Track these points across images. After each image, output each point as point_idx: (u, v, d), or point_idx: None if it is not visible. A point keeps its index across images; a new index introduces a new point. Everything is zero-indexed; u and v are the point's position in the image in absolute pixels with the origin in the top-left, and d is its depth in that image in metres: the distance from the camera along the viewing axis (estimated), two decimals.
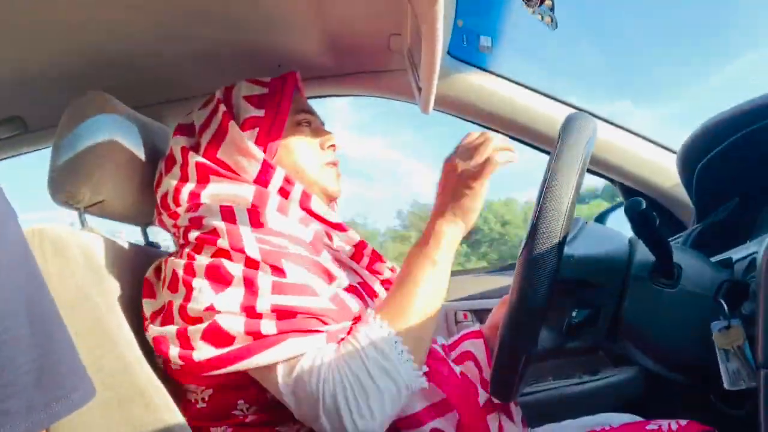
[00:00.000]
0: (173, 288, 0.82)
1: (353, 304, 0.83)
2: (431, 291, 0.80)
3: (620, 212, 1.47)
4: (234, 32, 1.11)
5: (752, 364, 0.67)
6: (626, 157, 1.39)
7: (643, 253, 0.80)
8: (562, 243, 0.71)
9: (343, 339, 0.77)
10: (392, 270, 1.03)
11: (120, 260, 0.89)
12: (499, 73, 1.38)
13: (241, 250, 0.79)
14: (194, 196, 0.89)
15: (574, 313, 0.83)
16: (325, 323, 0.76)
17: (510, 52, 1.40)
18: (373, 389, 0.72)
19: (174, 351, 0.76)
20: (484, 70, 1.37)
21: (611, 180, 1.47)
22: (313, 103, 1.08)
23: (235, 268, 0.78)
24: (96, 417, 0.74)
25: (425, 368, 0.81)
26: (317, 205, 0.94)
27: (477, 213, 0.83)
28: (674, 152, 1.34)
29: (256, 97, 0.97)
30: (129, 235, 1.06)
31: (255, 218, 0.83)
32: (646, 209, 0.73)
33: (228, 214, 0.83)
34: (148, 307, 0.86)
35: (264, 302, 0.75)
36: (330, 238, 0.95)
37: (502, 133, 1.44)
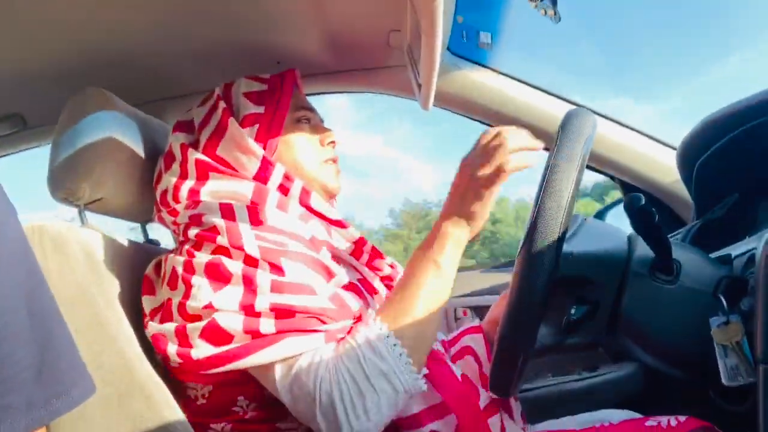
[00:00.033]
0: (173, 285, 0.82)
1: (353, 302, 0.83)
2: (433, 294, 0.79)
3: (619, 208, 1.47)
4: (233, 29, 1.11)
5: (750, 360, 0.67)
6: (626, 153, 1.39)
7: (643, 250, 0.80)
8: (561, 239, 0.71)
9: (342, 339, 0.76)
10: (392, 266, 1.03)
11: (120, 257, 0.89)
12: (498, 70, 1.38)
13: (241, 248, 0.78)
14: (194, 193, 0.89)
15: (572, 310, 0.83)
16: (324, 322, 0.76)
17: (510, 49, 1.40)
18: (369, 391, 0.72)
19: (172, 349, 0.77)
20: (484, 66, 1.37)
21: (611, 176, 1.47)
22: (311, 101, 1.08)
23: (234, 265, 0.78)
24: (96, 413, 0.74)
25: (425, 371, 0.81)
26: (317, 201, 0.94)
27: (484, 219, 0.81)
28: (674, 148, 1.34)
29: (256, 94, 0.97)
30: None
31: (254, 215, 0.83)
32: (646, 205, 0.73)
33: (227, 211, 0.83)
34: (148, 304, 0.86)
35: (263, 301, 0.75)
36: (330, 234, 0.95)
37: None
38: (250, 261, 0.78)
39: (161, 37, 1.09)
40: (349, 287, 0.86)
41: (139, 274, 0.90)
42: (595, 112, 1.31)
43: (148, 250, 1.02)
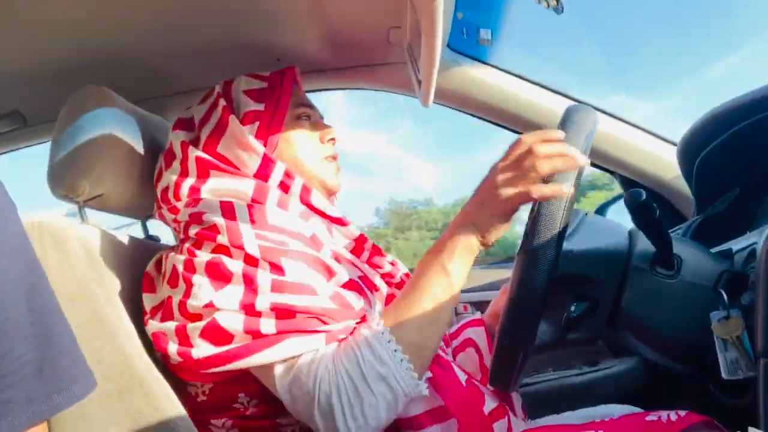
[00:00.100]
0: (173, 283, 0.82)
1: (355, 301, 0.82)
2: (439, 300, 0.77)
3: (620, 204, 1.47)
4: (233, 27, 1.11)
5: (750, 354, 0.68)
6: (626, 148, 1.39)
7: (644, 244, 0.80)
8: (561, 235, 0.71)
9: (343, 339, 0.76)
10: (393, 264, 1.03)
11: (119, 253, 0.89)
12: (499, 66, 1.38)
13: (241, 247, 0.78)
14: (194, 190, 0.89)
15: (572, 307, 0.83)
16: (325, 323, 0.76)
17: (510, 45, 1.40)
18: (368, 394, 0.71)
19: (173, 348, 0.77)
20: (484, 62, 1.37)
21: (611, 171, 1.47)
22: (311, 98, 1.08)
23: (234, 265, 0.78)
24: (96, 409, 0.74)
25: (428, 374, 0.80)
26: (317, 199, 0.94)
27: (500, 234, 0.78)
28: (674, 144, 1.34)
29: (256, 91, 0.97)
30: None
31: (255, 214, 0.82)
32: (647, 200, 0.73)
33: (228, 210, 0.83)
34: (148, 301, 0.86)
35: (263, 301, 0.75)
36: (330, 232, 0.95)
37: (503, 127, 1.44)
38: (251, 260, 0.78)
39: (161, 34, 1.09)
40: (350, 285, 0.85)
41: (139, 270, 0.90)
42: (595, 108, 1.31)
43: (148, 246, 1.02)
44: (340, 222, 0.96)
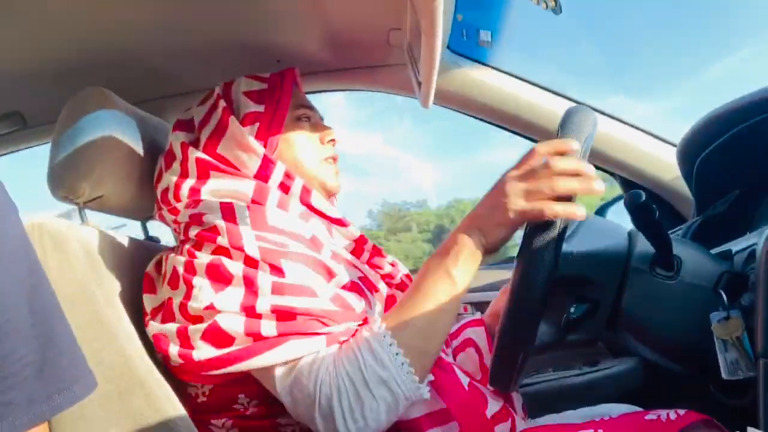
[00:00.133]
0: (173, 285, 0.82)
1: (356, 302, 0.82)
2: (442, 304, 0.76)
3: (620, 204, 1.47)
4: (233, 28, 1.11)
5: (750, 354, 0.68)
6: (626, 149, 1.39)
7: (643, 246, 0.80)
8: (561, 236, 0.71)
9: (344, 341, 0.76)
10: (393, 265, 1.04)
11: (119, 254, 0.89)
12: (499, 68, 1.38)
13: (241, 249, 0.78)
14: (194, 191, 0.89)
15: (572, 309, 0.83)
16: (326, 325, 0.76)
17: (510, 47, 1.40)
18: (368, 397, 0.71)
19: (174, 349, 0.77)
20: (484, 64, 1.37)
21: (611, 173, 1.47)
22: (310, 99, 1.08)
23: (234, 266, 0.78)
24: (96, 410, 0.74)
25: (430, 377, 0.80)
26: (317, 200, 0.94)
27: (505, 243, 0.77)
28: (674, 145, 1.34)
29: (256, 92, 0.97)
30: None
31: (255, 215, 0.82)
32: (646, 201, 0.73)
33: (228, 211, 0.83)
34: (149, 302, 0.86)
35: (264, 303, 0.75)
36: (330, 233, 0.95)
37: (503, 128, 1.44)
38: (250, 262, 0.78)
39: (161, 35, 1.10)
40: (351, 287, 0.85)
41: (139, 271, 0.90)
42: (595, 110, 1.31)
43: (148, 247, 1.02)
44: (340, 223, 0.96)
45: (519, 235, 0.77)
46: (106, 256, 0.84)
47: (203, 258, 0.80)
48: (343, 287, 0.84)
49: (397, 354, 0.73)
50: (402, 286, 1.00)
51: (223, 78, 1.01)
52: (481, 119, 1.44)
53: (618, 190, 1.53)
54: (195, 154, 0.91)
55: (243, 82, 0.99)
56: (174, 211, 0.90)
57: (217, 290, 0.77)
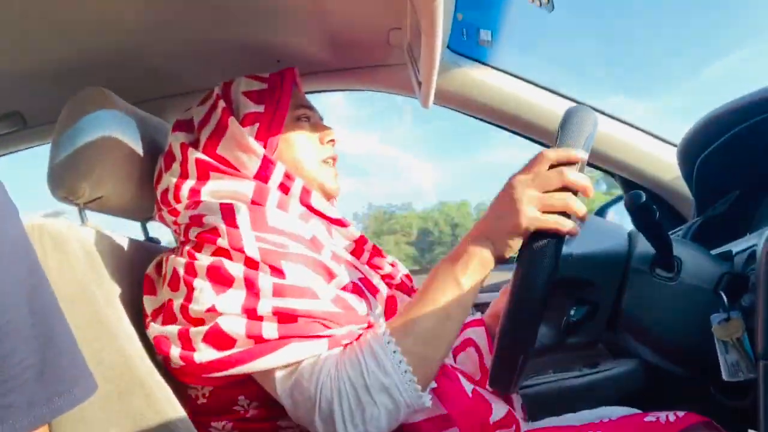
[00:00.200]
0: (174, 286, 0.82)
1: (357, 303, 0.82)
2: (449, 312, 0.75)
3: (620, 205, 1.47)
4: (233, 28, 1.11)
5: (751, 356, 0.68)
6: (626, 149, 1.39)
7: (643, 246, 0.80)
8: (561, 238, 0.71)
9: (347, 344, 0.76)
10: (393, 265, 1.03)
11: (119, 255, 0.89)
12: (499, 67, 1.38)
13: (241, 250, 0.78)
14: (194, 192, 0.89)
15: (572, 312, 0.82)
16: (328, 327, 0.75)
17: (510, 46, 1.40)
18: (369, 403, 0.71)
19: (175, 351, 0.77)
20: (484, 64, 1.37)
21: (611, 173, 1.47)
22: (310, 99, 1.08)
23: (235, 268, 0.77)
24: (96, 411, 0.74)
25: (433, 384, 0.79)
26: (317, 200, 0.94)
27: (516, 249, 0.76)
28: (674, 145, 1.34)
29: (255, 92, 0.97)
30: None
31: (255, 216, 0.82)
32: (647, 202, 0.73)
33: (228, 212, 0.83)
34: (149, 304, 0.86)
35: (265, 304, 0.75)
36: (330, 233, 0.95)
37: (503, 128, 1.44)
38: (251, 263, 0.78)
39: (161, 35, 1.09)
40: (351, 288, 0.85)
41: (139, 272, 0.90)
42: (595, 109, 1.31)
43: (149, 248, 1.02)
44: (339, 223, 0.96)
45: None
46: (106, 257, 0.84)
47: (203, 260, 0.80)
48: (344, 288, 0.84)
49: (400, 362, 0.72)
50: (402, 287, 1.00)
51: (224, 78, 1.01)
52: (481, 119, 1.44)
53: (618, 191, 1.53)
54: (194, 155, 0.91)
55: (242, 82, 0.99)
56: (174, 212, 0.90)
57: (219, 292, 0.77)
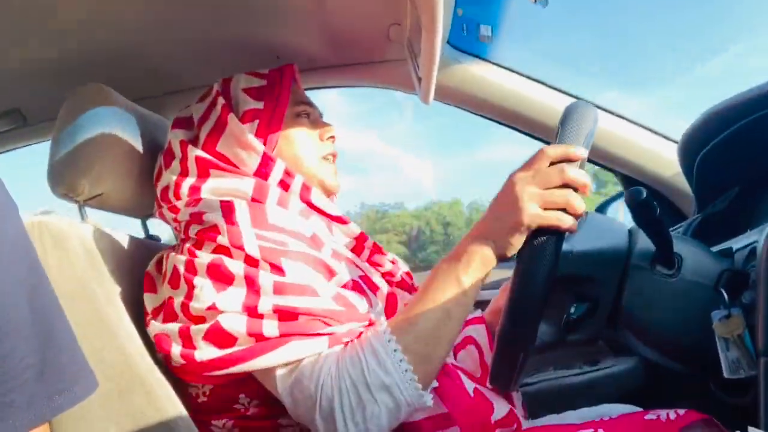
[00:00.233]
0: (174, 284, 0.82)
1: (358, 302, 0.82)
2: (450, 312, 0.75)
3: (621, 202, 1.47)
4: (233, 24, 1.11)
5: (752, 352, 0.68)
6: (626, 146, 1.38)
7: (644, 243, 0.80)
8: (561, 235, 0.71)
9: (348, 342, 0.75)
10: (393, 262, 1.03)
11: (120, 253, 0.89)
12: (499, 63, 1.37)
13: (241, 248, 0.78)
14: (194, 190, 0.88)
15: (572, 309, 0.82)
16: (328, 325, 0.75)
17: (508, 41, 1.40)
18: (370, 401, 0.71)
19: (176, 350, 0.77)
20: (485, 60, 1.37)
21: (611, 169, 1.47)
22: (309, 96, 1.07)
23: (235, 266, 0.77)
24: (97, 409, 0.74)
25: (435, 384, 0.79)
26: (317, 197, 0.94)
27: (516, 249, 0.75)
28: (675, 141, 1.34)
29: (255, 89, 0.97)
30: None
31: (255, 213, 0.82)
32: (647, 198, 0.72)
33: (228, 209, 0.82)
34: (150, 302, 0.86)
35: (266, 302, 0.74)
36: (330, 230, 0.94)
37: (503, 125, 1.44)
38: (251, 261, 0.78)
39: (160, 32, 1.09)
40: (351, 285, 0.85)
41: (139, 269, 0.90)
42: (595, 105, 1.31)
43: (149, 245, 1.02)
44: (340, 220, 0.96)
45: None
46: (106, 254, 0.84)
47: (204, 257, 0.80)
48: (344, 286, 0.84)
49: (401, 360, 0.72)
50: (402, 284, 1.00)
51: (223, 74, 1.01)
52: (481, 116, 1.44)
53: (608, 190, 1.53)
54: (194, 152, 0.91)
55: (242, 78, 0.98)
56: (174, 210, 0.90)
57: (219, 290, 0.77)
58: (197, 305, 0.77)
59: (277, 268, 0.77)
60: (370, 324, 0.79)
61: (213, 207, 0.84)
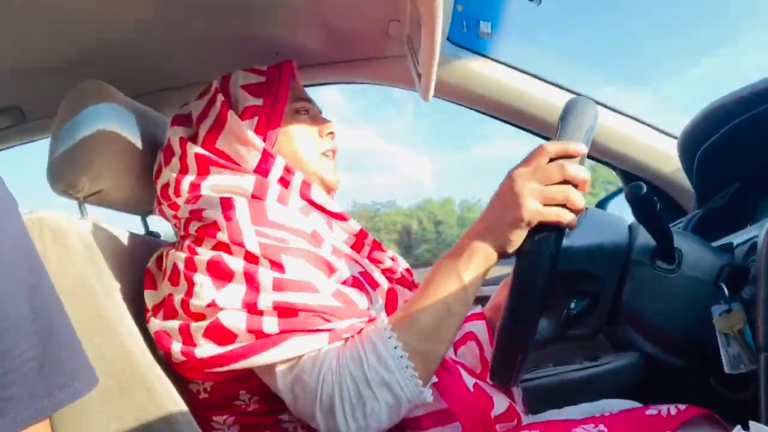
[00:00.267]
0: (174, 281, 0.82)
1: (357, 297, 0.82)
2: (450, 308, 0.74)
3: (621, 197, 1.47)
4: (232, 20, 1.10)
5: (752, 347, 0.68)
6: (627, 142, 1.38)
7: (644, 238, 0.80)
8: (561, 231, 0.71)
9: (348, 338, 0.75)
10: (393, 259, 1.03)
11: (119, 249, 0.89)
12: (499, 59, 1.37)
13: (241, 244, 0.78)
14: (194, 187, 0.88)
15: (572, 305, 0.82)
16: (328, 320, 0.75)
17: (511, 38, 1.39)
18: (370, 398, 0.71)
19: (176, 347, 0.77)
20: (484, 56, 1.36)
21: (612, 165, 1.47)
22: (308, 92, 1.07)
23: (235, 262, 0.77)
24: (97, 405, 0.74)
25: (435, 379, 0.79)
26: (317, 194, 0.94)
27: (516, 245, 0.74)
28: (675, 137, 1.34)
29: (254, 85, 0.97)
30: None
31: (255, 210, 0.82)
32: (647, 194, 0.72)
33: (228, 206, 0.82)
34: (150, 298, 0.86)
35: (266, 299, 0.74)
36: (330, 227, 0.94)
37: (503, 120, 1.44)
38: (251, 258, 0.77)
39: (160, 28, 1.09)
40: (352, 282, 0.85)
41: (139, 266, 0.90)
42: (595, 101, 1.31)
43: (149, 242, 1.02)
44: (340, 217, 0.96)
45: None
46: (106, 251, 0.83)
47: (203, 254, 0.80)
48: (344, 282, 0.84)
49: (401, 357, 0.72)
50: (402, 281, 1.00)
51: (222, 71, 1.01)
52: (481, 112, 1.44)
53: (598, 189, 1.53)
54: (194, 149, 0.91)
55: (240, 75, 0.98)
56: (174, 207, 0.90)
57: (219, 287, 0.77)
58: (197, 302, 0.77)
59: (277, 265, 0.77)
60: (371, 320, 0.79)
61: (213, 204, 0.84)
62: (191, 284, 0.78)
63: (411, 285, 1.01)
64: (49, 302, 0.43)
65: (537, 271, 0.69)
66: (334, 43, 1.25)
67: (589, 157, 1.35)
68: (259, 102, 0.95)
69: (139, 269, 0.90)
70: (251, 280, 0.76)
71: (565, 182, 0.72)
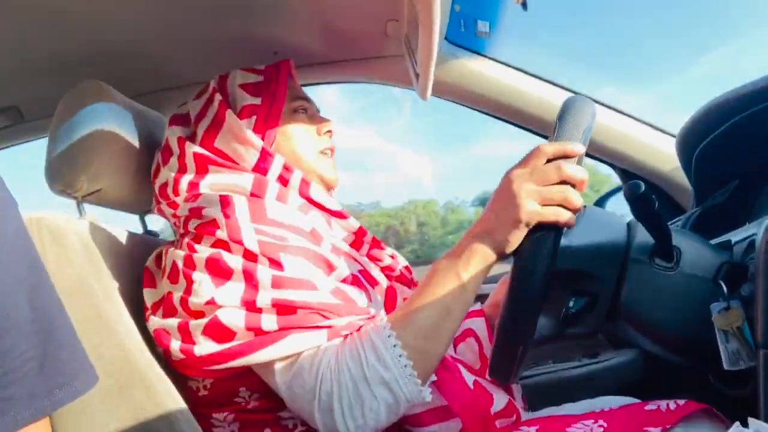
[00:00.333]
0: (173, 279, 0.82)
1: (357, 296, 0.82)
2: (450, 308, 0.75)
3: (619, 195, 1.47)
4: (230, 20, 1.10)
5: (751, 344, 0.68)
6: (625, 140, 1.39)
7: (643, 237, 0.80)
8: (559, 230, 0.71)
9: (347, 335, 0.75)
10: (392, 257, 1.03)
11: (118, 248, 0.89)
12: (497, 59, 1.37)
13: (240, 242, 0.78)
14: (193, 186, 0.88)
15: (571, 303, 0.82)
16: (327, 318, 0.75)
17: (508, 37, 1.40)
18: (369, 397, 0.71)
19: (175, 345, 0.77)
20: (482, 55, 1.37)
21: (610, 164, 1.47)
22: (306, 92, 1.07)
23: (234, 260, 0.77)
24: (97, 404, 0.74)
25: (434, 377, 0.79)
26: (316, 192, 0.94)
27: (515, 245, 0.74)
28: (673, 136, 1.34)
29: (252, 85, 0.97)
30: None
31: (254, 208, 0.82)
32: (646, 192, 0.72)
33: (227, 204, 0.82)
34: (149, 296, 0.86)
35: (264, 296, 0.74)
36: (330, 225, 0.94)
37: (501, 119, 1.44)
38: (250, 256, 0.78)
39: (158, 28, 1.09)
40: (351, 280, 0.85)
41: (138, 265, 0.90)
42: (593, 100, 1.31)
43: (147, 241, 1.02)
44: (339, 215, 0.96)
45: None
46: (105, 250, 0.83)
47: (203, 252, 0.80)
48: (343, 280, 0.84)
49: (400, 356, 0.72)
50: (401, 279, 1.00)
51: (220, 71, 1.01)
52: (479, 111, 1.44)
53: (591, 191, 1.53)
54: (192, 148, 0.91)
55: (238, 74, 0.98)
56: (173, 205, 0.90)
57: (218, 285, 0.77)
58: (196, 300, 0.77)
59: (275, 263, 0.77)
60: (370, 318, 0.79)
61: (212, 201, 0.84)
62: (190, 282, 0.78)
63: (410, 283, 1.01)
64: (49, 302, 0.43)
65: (536, 271, 0.69)
66: (332, 43, 1.25)
67: (587, 155, 1.35)
68: (257, 101, 0.95)
69: (137, 268, 0.90)
70: (250, 278, 0.76)
71: (562, 182, 0.72)
